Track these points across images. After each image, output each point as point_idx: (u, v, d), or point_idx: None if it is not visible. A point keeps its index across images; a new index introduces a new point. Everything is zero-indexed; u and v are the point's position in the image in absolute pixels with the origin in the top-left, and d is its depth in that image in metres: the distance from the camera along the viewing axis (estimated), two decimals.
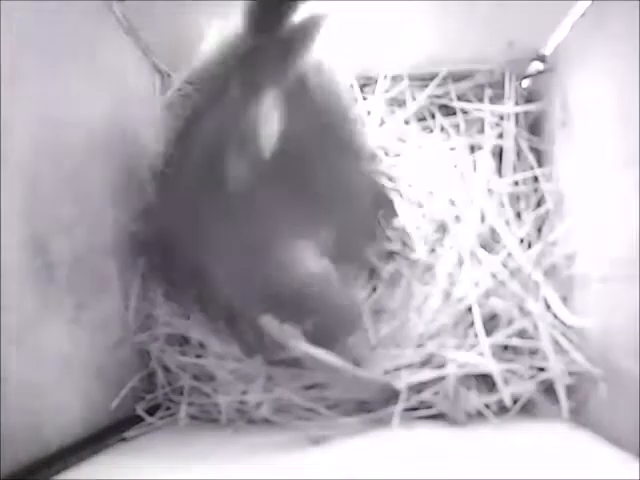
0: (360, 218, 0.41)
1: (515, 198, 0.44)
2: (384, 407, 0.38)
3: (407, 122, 0.47)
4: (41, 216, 0.32)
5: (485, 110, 0.46)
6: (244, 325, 0.42)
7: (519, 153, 0.45)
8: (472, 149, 0.46)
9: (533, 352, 0.39)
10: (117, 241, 0.40)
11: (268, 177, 0.35)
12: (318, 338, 0.37)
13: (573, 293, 0.39)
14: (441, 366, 0.39)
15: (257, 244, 0.36)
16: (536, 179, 0.44)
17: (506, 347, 0.40)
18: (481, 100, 0.46)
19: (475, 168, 0.45)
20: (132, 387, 0.39)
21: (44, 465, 0.30)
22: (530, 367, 0.38)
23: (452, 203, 0.44)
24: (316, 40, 0.37)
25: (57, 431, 0.32)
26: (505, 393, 0.37)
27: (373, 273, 0.43)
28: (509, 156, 0.45)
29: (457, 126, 0.47)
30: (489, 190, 0.44)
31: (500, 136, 0.45)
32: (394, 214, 0.44)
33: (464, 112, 0.47)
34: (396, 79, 0.47)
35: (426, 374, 0.39)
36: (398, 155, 0.46)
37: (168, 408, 0.41)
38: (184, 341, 0.41)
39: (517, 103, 0.45)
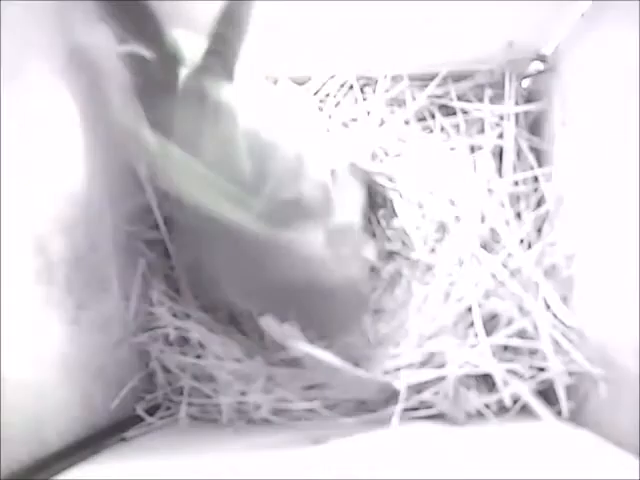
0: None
1: (515, 198, 0.44)
2: (384, 407, 0.38)
3: (407, 122, 0.47)
4: (41, 216, 0.32)
5: (485, 110, 0.46)
6: (245, 325, 0.42)
7: (519, 153, 0.45)
8: (472, 149, 0.46)
9: (533, 352, 0.39)
10: (117, 241, 0.40)
11: None
12: (325, 328, 0.37)
13: (573, 293, 0.39)
14: (441, 366, 0.39)
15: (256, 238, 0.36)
16: (536, 179, 0.44)
17: (506, 347, 0.40)
18: (481, 100, 0.46)
19: (475, 168, 0.45)
20: (132, 387, 0.39)
21: (44, 465, 0.30)
22: (530, 367, 0.38)
23: (452, 203, 0.44)
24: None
25: (57, 431, 0.32)
26: (505, 393, 0.37)
27: (373, 273, 0.43)
28: (509, 156, 0.45)
29: (457, 126, 0.47)
30: (489, 190, 0.44)
31: (500, 136, 0.45)
32: (394, 214, 0.45)
33: (464, 112, 0.47)
34: (396, 79, 0.47)
35: (426, 374, 0.39)
36: (398, 155, 0.46)
37: (168, 408, 0.41)
38: (184, 341, 0.41)
39: (517, 103, 0.45)
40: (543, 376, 0.38)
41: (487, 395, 0.38)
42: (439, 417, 0.38)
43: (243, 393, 0.39)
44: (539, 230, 0.43)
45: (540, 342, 0.38)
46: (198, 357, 0.40)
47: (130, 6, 0.37)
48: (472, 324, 0.40)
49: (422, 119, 0.47)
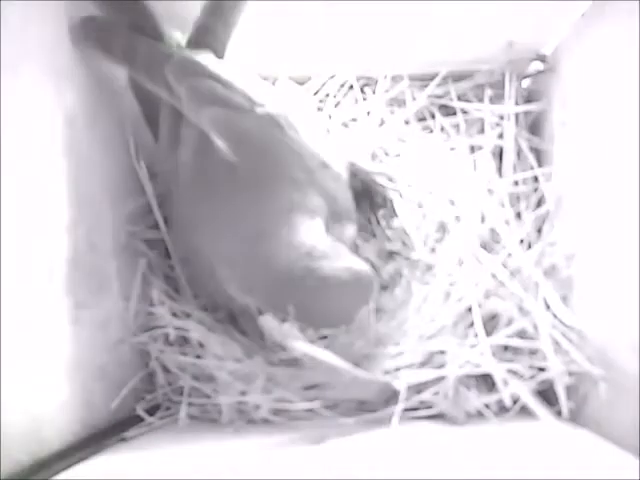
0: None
1: (515, 198, 0.44)
2: (384, 407, 0.38)
3: (407, 122, 0.47)
4: (41, 216, 0.32)
5: (485, 110, 0.46)
6: (245, 325, 0.42)
7: (519, 153, 0.45)
8: (472, 149, 0.46)
9: (533, 352, 0.39)
10: (117, 241, 0.40)
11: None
12: (324, 319, 0.37)
13: (573, 293, 0.39)
14: (441, 366, 0.39)
15: (256, 226, 0.36)
16: (536, 179, 0.44)
17: (506, 347, 0.40)
18: (481, 100, 0.46)
19: (475, 168, 0.45)
20: (132, 387, 0.39)
21: (44, 465, 0.30)
22: (530, 367, 0.38)
23: (452, 203, 0.44)
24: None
25: (57, 431, 0.32)
26: (505, 393, 0.37)
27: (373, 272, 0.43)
28: (509, 156, 0.45)
29: (457, 126, 0.47)
30: (489, 190, 0.44)
31: (500, 136, 0.45)
32: (394, 214, 0.45)
33: (464, 112, 0.47)
34: (396, 79, 0.47)
35: (426, 374, 0.38)
36: (398, 155, 0.46)
37: (168, 408, 0.41)
38: (184, 341, 0.41)
39: (517, 103, 0.45)
40: (543, 376, 0.38)
41: (487, 395, 0.38)
42: (439, 417, 0.38)
43: (243, 393, 0.39)
44: (539, 230, 0.43)
45: (540, 342, 0.38)
46: (198, 357, 0.40)
47: (129, 6, 0.37)
48: (472, 324, 0.40)
49: (422, 119, 0.47)
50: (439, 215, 0.44)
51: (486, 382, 0.39)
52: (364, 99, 0.47)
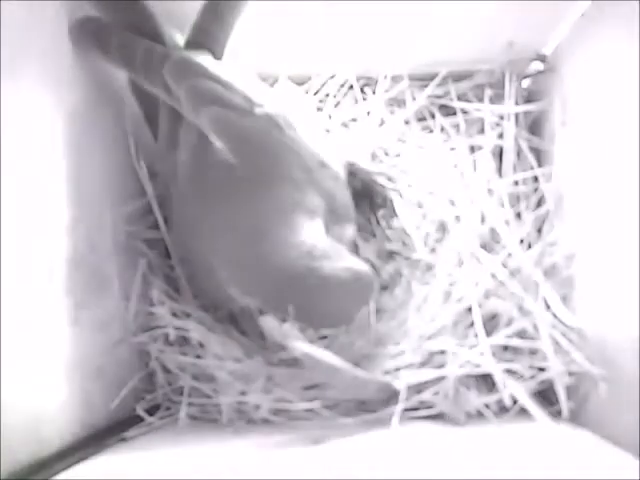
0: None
1: (515, 198, 0.44)
2: (384, 407, 0.38)
3: (407, 122, 0.47)
4: (40, 216, 0.32)
5: (485, 110, 0.46)
6: (245, 325, 0.42)
7: (519, 153, 0.45)
8: (472, 149, 0.46)
9: (533, 352, 0.39)
10: (117, 241, 0.40)
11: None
12: (324, 318, 0.37)
13: (573, 293, 0.39)
14: (441, 366, 0.39)
15: (255, 226, 0.36)
16: (536, 179, 0.44)
17: (506, 347, 0.40)
18: (481, 100, 0.46)
19: (475, 168, 0.45)
20: (132, 387, 0.39)
21: (44, 465, 0.30)
22: (530, 367, 0.38)
23: (452, 203, 0.44)
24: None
25: (57, 431, 0.32)
26: (505, 393, 0.37)
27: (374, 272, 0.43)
28: (509, 156, 0.45)
29: (457, 126, 0.47)
30: (489, 190, 0.44)
31: (500, 136, 0.45)
32: (394, 214, 0.45)
33: (464, 112, 0.47)
34: (396, 79, 0.47)
35: (426, 374, 0.38)
36: (398, 155, 0.46)
37: (168, 408, 0.41)
38: (184, 341, 0.41)
39: (517, 103, 0.45)
40: (543, 376, 0.38)
41: (487, 395, 0.38)
42: (439, 417, 0.38)
43: (243, 393, 0.39)
44: (539, 230, 0.43)
45: (540, 342, 0.38)
46: (198, 357, 0.40)
47: (129, 6, 0.37)
48: (472, 324, 0.40)
49: (422, 119, 0.47)
50: (439, 215, 0.44)
51: (486, 382, 0.39)
52: (364, 99, 0.47)
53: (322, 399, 0.39)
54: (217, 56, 0.39)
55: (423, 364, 0.39)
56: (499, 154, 0.45)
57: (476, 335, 0.39)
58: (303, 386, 0.39)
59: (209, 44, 0.38)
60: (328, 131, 0.47)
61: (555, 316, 0.39)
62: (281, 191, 0.37)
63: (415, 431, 0.36)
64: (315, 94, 0.48)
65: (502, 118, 0.45)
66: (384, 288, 0.43)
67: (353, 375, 0.35)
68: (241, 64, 0.41)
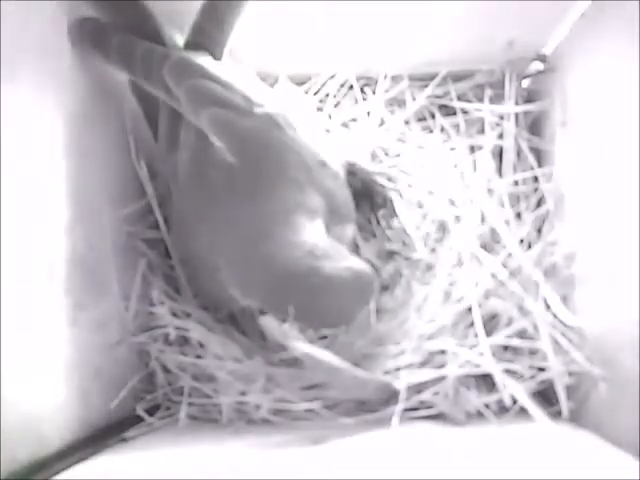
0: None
1: (515, 198, 0.44)
2: (384, 407, 0.38)
3: (407, 122, 0.47)
4: (40, 216, 0.32)
5: (485, 110, 0.46)
6: (245, 325, 0.42)
7: (519, 153, 0.45)
8: (472, 149, 0.46)
9: (533, 352, 0.39)
10: (117, 241, 0.40)
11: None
12: (325, 318, 0.37)
13: (573, 293, 0.39)
14: (441, 366, 0.39)
15: (256, 226, 0.36)
16: (536, 179, 0.44)
17: (506, 347, 0.40)
18: (481, 100, 0.46)
19: (475, 168, 0.45)
20: (132, 387, 0.39)
21: (44, 465, 0.30)
22: (530, 367, 0.38)
23: (452, 203, 0.44)
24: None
25: (57, 431, 0.32)
26: (505, 393, 0.37)
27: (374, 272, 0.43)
28: (509, 156, 0.45)
29: (457, 126, 0.47)
30: (489, 190, 0.44)
31: (500, 136, 0.45)
32: (394, 214, 0.45)
33: (464, 112, 0.47)
34: (396, 79, 0.47)
35: (426, 374, 0.38)
36: (398, 155, 0.46)
37: (168, 408, 0.41)
38: (184, 341, 0.41)
39: (517, 103, 0.45)
40: (543, 376, 0.38)
41: (487, 395, 0.38)
42: (439, 417, 0.38)
43: (243, 393, 0.39)
44: (539, 230, 0.43)
45: (540, 342, 0.38)
46: (198, 357, 0.40)
47: (129, 7, 0.37)
48: (472, 324, 0.40)
49: (422, 119, 0.47)
50: (439, 215, 0.44)
51: (486, 382, 0.39)
52: (364, 99, 0.47)
53: (322, 399, 0.39)
54: (217, 56, 0.39)
55: (423, 364, 0.39)
56: (499, 154, 0.45)
57: (476, 335, 0.39)
58: (303, 386, 0.39)
59: (209, 44, 0.38)
60: (328, 131, 0.47)
61: (555, 316, 0.39)
62: (282, 191, 0.37)
63: (415, 431, 0.36)
64: (315, 94, 0.48)
65: (502, 118, 0.45)
66: (384, 288, 0.43)
67: (353, 375, 0.35)
68: (241, 64, 0.41)
